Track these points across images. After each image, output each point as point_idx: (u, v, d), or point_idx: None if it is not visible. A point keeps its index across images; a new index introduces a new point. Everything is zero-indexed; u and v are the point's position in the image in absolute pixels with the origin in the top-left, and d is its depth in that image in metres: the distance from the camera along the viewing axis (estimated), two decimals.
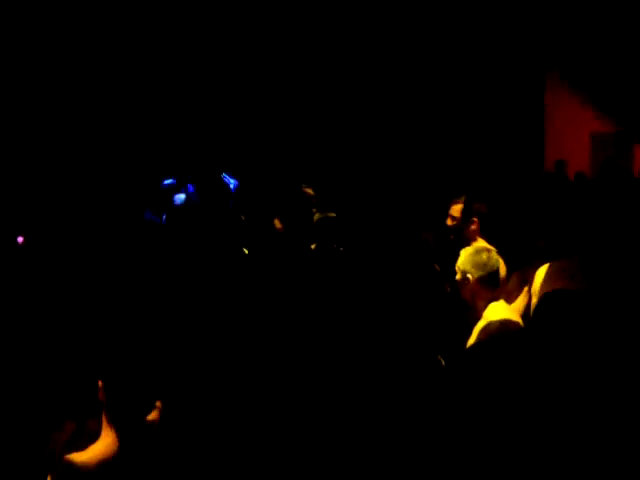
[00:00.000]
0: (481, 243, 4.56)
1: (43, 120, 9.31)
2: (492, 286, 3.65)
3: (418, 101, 10.65)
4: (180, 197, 8.06)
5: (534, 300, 3.87)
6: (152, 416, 2.75)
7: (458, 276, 3.68)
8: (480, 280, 3.62)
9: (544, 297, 3.00)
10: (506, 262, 4.55)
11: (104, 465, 2.66)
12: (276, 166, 9.58)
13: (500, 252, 4.48)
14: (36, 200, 7.03)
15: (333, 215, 6.25)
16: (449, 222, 5.00)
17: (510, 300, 4.29)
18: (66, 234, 5.72)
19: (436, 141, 10.53)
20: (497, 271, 3.69)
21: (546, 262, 4.18)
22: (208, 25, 10.23)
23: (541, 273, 3.91)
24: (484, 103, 10.86)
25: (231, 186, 8.13)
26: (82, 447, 2.78)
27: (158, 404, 2.75)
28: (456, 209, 4.97)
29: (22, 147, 8.92)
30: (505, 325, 3.45)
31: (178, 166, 8.86)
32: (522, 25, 10.70)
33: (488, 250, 3.77)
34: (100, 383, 2.85)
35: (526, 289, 4.09)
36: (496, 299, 3.65)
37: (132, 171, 8.87)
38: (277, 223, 6.36)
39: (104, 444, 2.73)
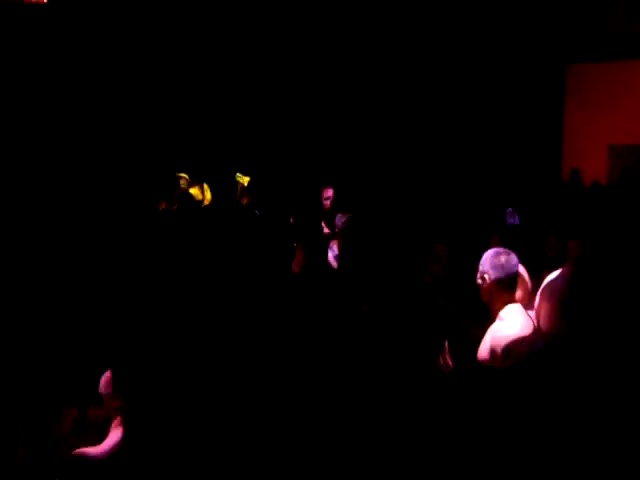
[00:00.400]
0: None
1: (54, 120, 9.35)
2: (510, 289, 3.62)
3: (435, 110, 10.63)
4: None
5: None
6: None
7: (478, 277, 3.65)
8: (498, 282, 3.60)
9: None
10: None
11: (113, 459, 2.66)
12: (292, 165, 9.58)
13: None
14: (50, 199, 7.04)
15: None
16: None
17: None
18: (79, 232, 5.73)
19: (452, 149, 10.49)
20: (515, 274, 3.65)
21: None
22: (222, 25, 10.24)
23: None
24: (503, 112, 10.83)
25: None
26: (85, 437, 2.78)
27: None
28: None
29: (37, 148, 8.94)
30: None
31: (192, 165, 8.87)
32: (543, 31, 10.66)
33: (508, 253, 3.73)
34: (108, 374, 2.83)
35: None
36: (514, 302, 3.62)
37: (147, 170, 8.89)
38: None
39: (114, 440, 2.73)
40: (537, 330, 3.61)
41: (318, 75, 10.61)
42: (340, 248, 5.66)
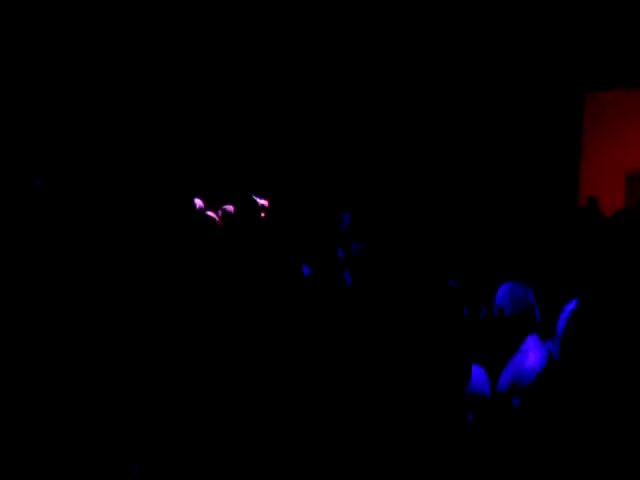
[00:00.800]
0: None
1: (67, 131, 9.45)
2: (528, 322, 3.60)
3: (450, 136, 10.63)
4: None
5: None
6: None
7: (493, 311, 3.63)
8: (515, 315, 3.58)
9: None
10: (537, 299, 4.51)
11: None
12: (309, 189, 9.59)
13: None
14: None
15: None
16: None
17: None
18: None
19: (466, 175, 10.47)
20: (532, 307, 3.63)
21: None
22: (241, 46, 10.33)
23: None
24: (519, 138, 10.80)
25: None
26: None
27: None
28: None
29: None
30: None
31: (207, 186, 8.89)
32: (561, 58, 10.66)
33: (524, 286, 3.71)
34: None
35: None
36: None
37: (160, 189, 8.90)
38: None
39: None
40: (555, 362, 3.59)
41: (338, 99, 10.66)
42: (355, 276, 5.65)
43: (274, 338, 3.70)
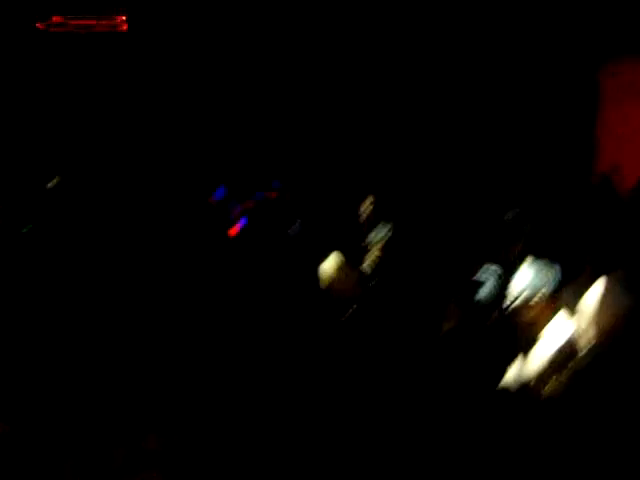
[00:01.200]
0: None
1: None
2: (552, 304, 3.70)
3: (460, 99, 10.55)
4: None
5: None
6: None
7: (526, 297, 3.71)
8: (551, 296, 3.67)
9: None
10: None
11: None
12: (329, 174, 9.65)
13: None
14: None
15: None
16: None
17: None
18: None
19: (477, 145, 10.42)
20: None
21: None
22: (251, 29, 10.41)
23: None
24: (533, 106, 10.70)
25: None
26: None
27: None
28: None
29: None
30: None
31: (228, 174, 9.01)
32: (578, 26, 10.52)
33: (550, 264, 3.82)
34: None
35: None
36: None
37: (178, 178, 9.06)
38: None
39: None
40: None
41: (356, 83, 10.69)
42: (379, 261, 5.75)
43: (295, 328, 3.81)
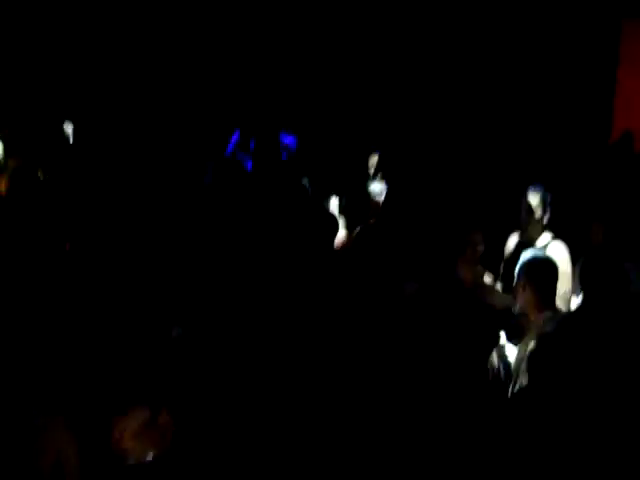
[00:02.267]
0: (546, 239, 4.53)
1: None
2: (549, 294, 3.62)
3: (481, 57, 10.34)
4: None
5: None
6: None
7: (517, 284, 3.63)
8: (539, 288, 3.58)
9: None
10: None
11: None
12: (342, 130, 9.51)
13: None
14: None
15: None
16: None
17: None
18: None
19: (491, 115, 10.24)
20: (555, 280, 3.64)
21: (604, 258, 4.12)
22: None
23: None
24: (552, 64, 10.49)
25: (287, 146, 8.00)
26: (152, 439, 2.78)
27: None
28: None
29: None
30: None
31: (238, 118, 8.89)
32: None
33: (545, 255, 3.74)
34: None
35: None
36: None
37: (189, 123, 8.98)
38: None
39: None
40: None
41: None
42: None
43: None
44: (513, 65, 10.29)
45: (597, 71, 10.57)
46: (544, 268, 3.60)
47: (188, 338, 3.49)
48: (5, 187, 6.05)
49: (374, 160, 7.35)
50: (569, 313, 3.77)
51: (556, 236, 4.66)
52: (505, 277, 4.55)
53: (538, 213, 4.65)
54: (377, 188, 5.96)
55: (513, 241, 4.90)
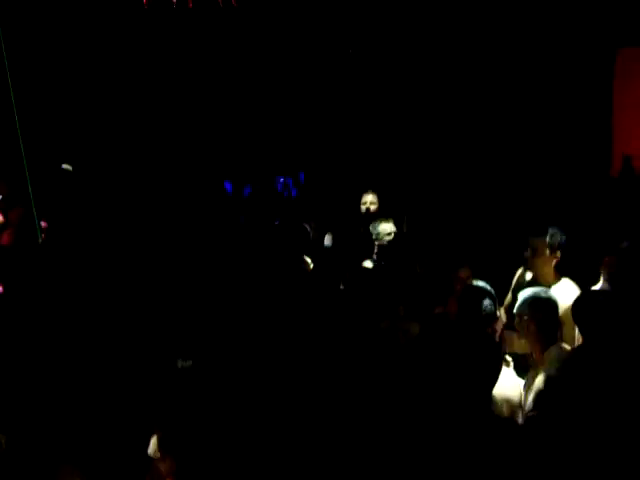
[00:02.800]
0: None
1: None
2: (554, 330, 3.59)
3: (478, 88, 10.39)
4: None
5: None
6: None
7: (518, 322, 3.61)
8: (541, 325, 3.56)
9: None
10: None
11: None
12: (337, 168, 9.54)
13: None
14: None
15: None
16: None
17: None
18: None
19: (487, 138, 10.25)
20: (557, 315, 3.61)
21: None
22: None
23: None
24: (548, 93, 10.52)
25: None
26: None
27: None
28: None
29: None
30: None
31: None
32: (593, 14, 10.32)
33: (546, 291, 3.71)
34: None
35: None
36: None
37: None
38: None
39: None
40: None
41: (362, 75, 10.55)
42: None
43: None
44: (510, 91, 10.35)
45: (594, 99, 10.61)
46: (546, 306, 3.57)
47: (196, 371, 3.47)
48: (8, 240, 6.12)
49: (368, 198, 7.33)
50: (573, 350, 3.71)
51: (566, 276, 4.55)
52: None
53: (547, 253, 4.53)
54: (386, 228, 6.01)
55: (521, 276, 4.83)
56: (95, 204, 6.70)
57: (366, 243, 5.89)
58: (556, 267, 4.47)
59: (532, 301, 3.60)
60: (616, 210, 6.98)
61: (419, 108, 10.50)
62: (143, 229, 6.07)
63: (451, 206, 7.49)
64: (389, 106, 10.53)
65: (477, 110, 10.37)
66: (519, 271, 4.85)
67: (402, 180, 9.06)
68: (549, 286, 4.20)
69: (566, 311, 3.73)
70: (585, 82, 10.48)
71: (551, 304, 3.60)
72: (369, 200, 7.06)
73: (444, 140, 10.20)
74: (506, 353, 3.80)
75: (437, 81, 10.47)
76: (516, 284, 4.75)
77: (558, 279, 4.43)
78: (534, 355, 3.62)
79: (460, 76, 10.35)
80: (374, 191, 7.16)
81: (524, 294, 3.67)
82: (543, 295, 3.64)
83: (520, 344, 3.84)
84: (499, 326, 4.21)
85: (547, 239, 4.46)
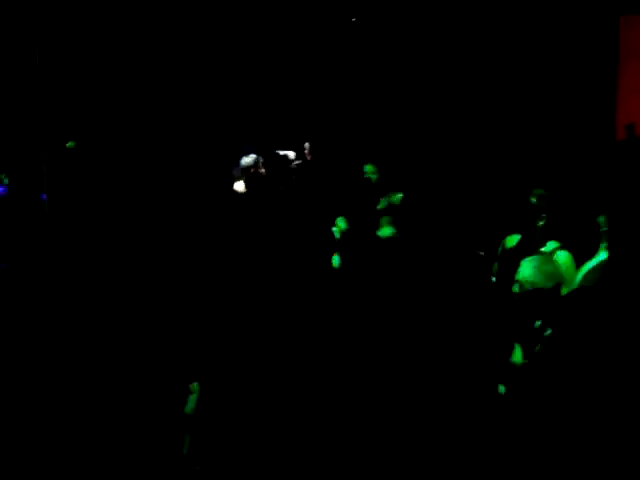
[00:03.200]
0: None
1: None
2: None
3: (481, 56, 10.33)
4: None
5: None
6: None
7: (517, 289, 3.61)
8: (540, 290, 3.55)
9: None
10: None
11: None
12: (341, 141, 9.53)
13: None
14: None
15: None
16: None
17: None
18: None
19: (491, 112, 10.21)
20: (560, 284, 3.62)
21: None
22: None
23: None
24: (552, 62, 10.45)
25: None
26: None
27: None
28: None
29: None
30: None
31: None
32: None
33: (545, 255, 3.72)
34: None
35: None
36: None
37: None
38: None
39: None
40: None
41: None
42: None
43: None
44: (515, 64, 10.30)
45: (598, 68, 10.53)
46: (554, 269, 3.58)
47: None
48: None
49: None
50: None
51: (561, 243, 4.59)
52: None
53: (541, 218, 4.56)
54: None
55: (512, 242, 4.85)
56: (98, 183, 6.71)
57: None
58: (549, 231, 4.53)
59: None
60: (619, 176, 6.97)
61: (422, 77, 10.46)
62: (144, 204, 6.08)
63: (453, 176, 7.47)
64: (392, 77, 10.49)
65: (482, 80, 10.33)
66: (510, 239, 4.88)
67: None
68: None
69: None
70: (589, 49, 10.41)
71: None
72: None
73: (447, 112, 10.18)
74: None
75: (441, 51, 10.41)
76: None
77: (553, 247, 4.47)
78: None
79: (464, 46, 10.29)
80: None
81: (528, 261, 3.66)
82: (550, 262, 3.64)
83: None
84: None
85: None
